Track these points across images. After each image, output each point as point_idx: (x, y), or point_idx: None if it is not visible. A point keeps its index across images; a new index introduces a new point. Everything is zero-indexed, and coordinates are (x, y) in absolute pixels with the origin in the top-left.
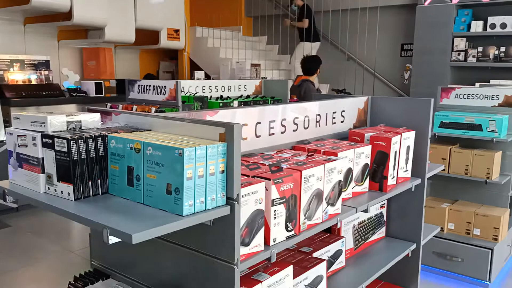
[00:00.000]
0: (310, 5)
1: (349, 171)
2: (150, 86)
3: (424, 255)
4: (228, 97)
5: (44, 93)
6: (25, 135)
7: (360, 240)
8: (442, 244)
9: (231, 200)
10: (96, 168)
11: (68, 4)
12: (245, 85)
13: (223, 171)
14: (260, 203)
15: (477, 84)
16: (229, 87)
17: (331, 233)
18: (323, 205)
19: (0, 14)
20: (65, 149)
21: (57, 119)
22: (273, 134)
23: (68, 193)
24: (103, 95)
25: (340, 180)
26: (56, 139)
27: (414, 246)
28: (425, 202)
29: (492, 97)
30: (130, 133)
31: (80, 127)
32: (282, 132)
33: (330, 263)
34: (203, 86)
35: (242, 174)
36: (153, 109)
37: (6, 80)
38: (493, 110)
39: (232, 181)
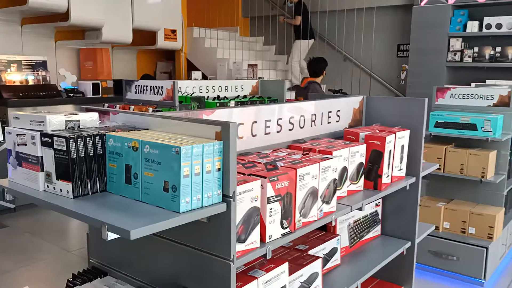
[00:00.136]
0: (307, 4)
1: (344, 169)
2: (147, 86)
3: (420, 254)
4: (225, 97)
5: (41, 93)
6: (24, 134)
7: (355, 238)
8: (438, 243)
9: (227, 198)
10: (95, 167)
11: (65, 4)
12: (242, 86)
13: (219, 169)
14: (255, 200)
15: (473, 84)
16: (226, 88)
17: (327, 231)
18: (318, 203)
19: None
20: (64, 148)
21: (56, 119)
22: (269, 133)
23: (67, 191)
24: (100, 96)
25: (335, 179)
26: (55, 138)
27: (409, 244)
28: (421, 201)
29: (487, 97)
30: (128, 132)
31: (79, 126)
32: (278, 132)
33: (326, 260)
34: (200, 87)
35: (238, 172)
36: (150, 109)
37: (3, 80)
38: (488, 110)
39: (228, 179)
